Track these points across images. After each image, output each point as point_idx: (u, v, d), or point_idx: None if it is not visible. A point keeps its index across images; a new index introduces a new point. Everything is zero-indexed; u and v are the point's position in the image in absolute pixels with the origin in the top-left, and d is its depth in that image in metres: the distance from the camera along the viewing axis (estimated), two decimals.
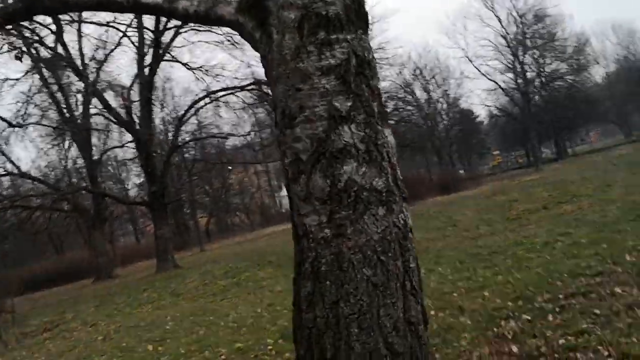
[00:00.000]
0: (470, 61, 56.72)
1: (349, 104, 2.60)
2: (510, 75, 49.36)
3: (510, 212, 16.94)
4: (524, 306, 6.34)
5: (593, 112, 55.46)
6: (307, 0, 2.71)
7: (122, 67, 71.41)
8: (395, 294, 2.66)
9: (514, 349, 5.08)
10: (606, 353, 4.39)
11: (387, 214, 2.67)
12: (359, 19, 2.79)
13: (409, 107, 50.07)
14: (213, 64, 36.29)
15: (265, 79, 3.64)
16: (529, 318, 5.87)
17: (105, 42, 25.94)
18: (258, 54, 3.07)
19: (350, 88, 2.62)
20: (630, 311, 5.27)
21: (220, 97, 26.55)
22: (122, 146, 33.23)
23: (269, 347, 7.13)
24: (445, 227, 18.01)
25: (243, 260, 21.70)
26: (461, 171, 55.73)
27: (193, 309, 12.57)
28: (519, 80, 48.17)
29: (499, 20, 48.28)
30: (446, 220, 19.55)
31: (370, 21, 3.10)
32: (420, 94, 55.50)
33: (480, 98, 70.67)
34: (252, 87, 24.70)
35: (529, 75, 49.29)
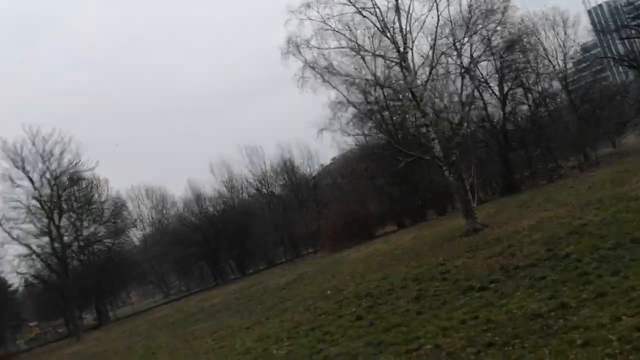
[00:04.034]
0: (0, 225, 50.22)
1: None
2: (46, 239, 45.94)
3: None
4: None
5: (133, 274, 56.42)
6: None
7: None
8: None
9: None
10: None
11: None
12: None
13: None
14: None
15: None
16: None
17: None
18: None
19: None
20: None
21: None
22: None
23: None
24: None
25: None
26: None
27: None
28: (56, 245, 45.16)
29: (32, 181, 45.12)
30: None
31: None
32: None
33: (12, 265, 62.76)
34: None
35: (66, 239, 46.95)
